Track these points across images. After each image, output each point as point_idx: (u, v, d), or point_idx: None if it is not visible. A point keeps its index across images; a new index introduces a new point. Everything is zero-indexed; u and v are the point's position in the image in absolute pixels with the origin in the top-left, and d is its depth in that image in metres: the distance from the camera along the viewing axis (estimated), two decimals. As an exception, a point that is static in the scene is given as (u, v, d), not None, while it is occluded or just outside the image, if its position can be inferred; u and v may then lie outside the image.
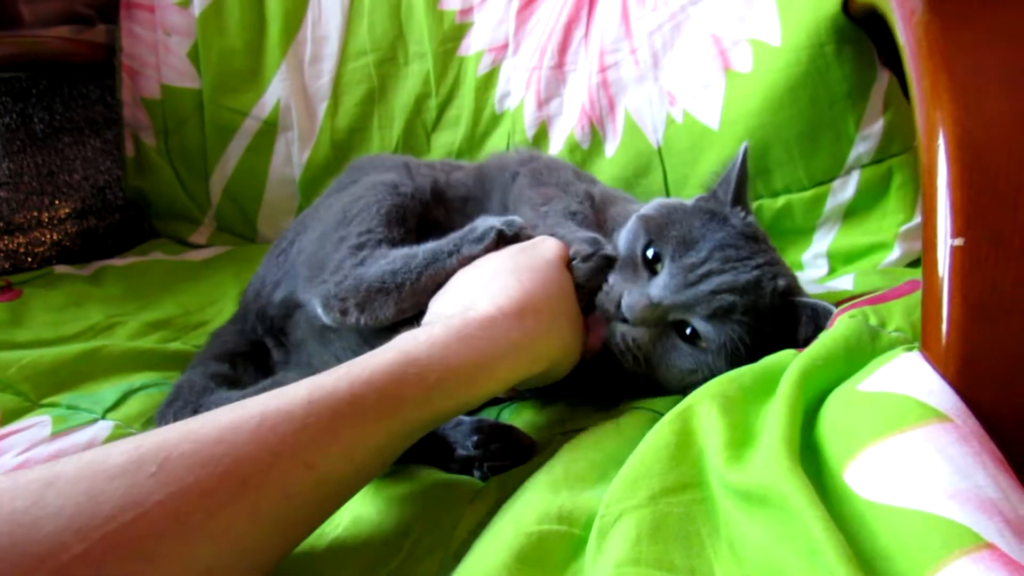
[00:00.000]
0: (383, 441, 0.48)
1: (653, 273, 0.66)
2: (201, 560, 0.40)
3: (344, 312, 0.67)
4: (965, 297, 0.44)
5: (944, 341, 0.45)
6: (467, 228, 0.69)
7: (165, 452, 0.40)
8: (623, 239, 0.69)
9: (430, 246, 0.68)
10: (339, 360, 0.69)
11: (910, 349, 0.49)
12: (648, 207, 0.72)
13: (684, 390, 0.59)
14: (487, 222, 0.68)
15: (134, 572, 0.38)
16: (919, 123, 0.50)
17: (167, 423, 0.66)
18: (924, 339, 0.47)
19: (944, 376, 0.45)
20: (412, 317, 0.65)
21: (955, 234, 0.45)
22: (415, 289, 0.66)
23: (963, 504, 0.38)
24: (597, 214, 0.77)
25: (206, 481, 0.40)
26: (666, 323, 0.65)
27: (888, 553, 0.39)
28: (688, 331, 0.64)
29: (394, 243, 0.71)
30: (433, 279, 0.66)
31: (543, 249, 0.66)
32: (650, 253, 0.66)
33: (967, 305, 0.44)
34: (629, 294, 0.64)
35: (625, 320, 0.64)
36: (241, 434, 0.42)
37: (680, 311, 0.63)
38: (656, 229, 0.67)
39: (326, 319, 0.68)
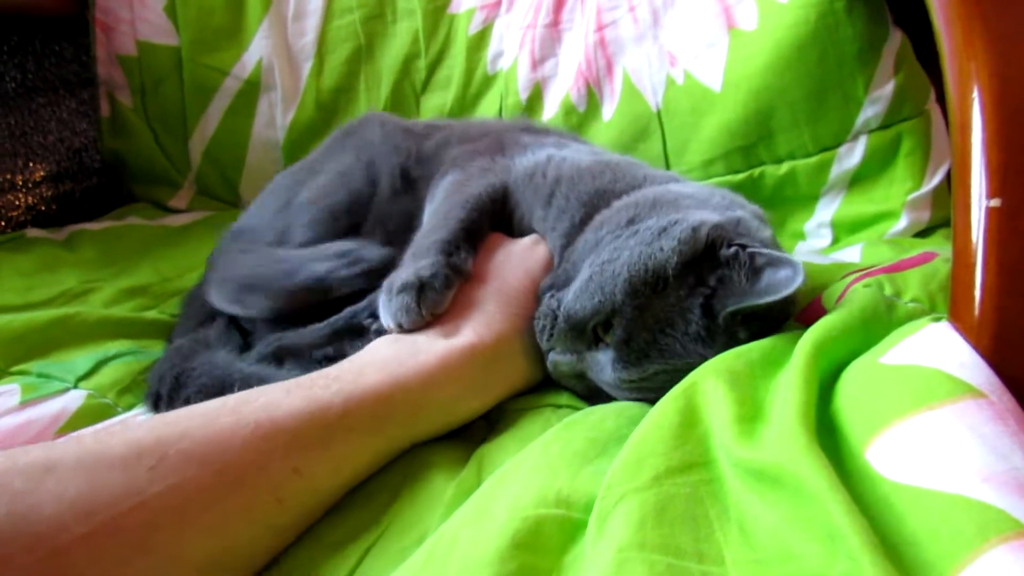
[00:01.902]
0: (368, 455, 0.52)
1: (596, 340, 0.60)
2: (194, 552, 0.42)
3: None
4: (1001, 263, 0.41)
5: (977, 311, 0.42)
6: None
7: (163, 448, 0.43)
8: (586, 285, 0.59)
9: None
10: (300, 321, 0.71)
11: (938, 319, 0.46)
12: (640, 270, 0.57)
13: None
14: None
15: (129, 559, 0.40)
16: (949, 76, 0.47)
17: (155, 387, 0.68)
18: (954, 308, 0.44)
19: (977, 348, 0.42)
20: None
21: (991, 194, 0.42)
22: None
23: (999, 487, 0.35)
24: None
25: (202, 478, 0.43)
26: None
27: (916, 539, 0.36)
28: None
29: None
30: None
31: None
32: (601, 329, 0.59)
33: (1003, 271, 0.41)
34: (559, 353, 0.62)
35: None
36: (236, 439, 0.45)
37: (598, 383, 0.62)
38: (627, 312, 0.57)
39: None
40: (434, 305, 0.61)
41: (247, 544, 0.45)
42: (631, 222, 0.62)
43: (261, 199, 0.89)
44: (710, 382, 0.48)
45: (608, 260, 0.59)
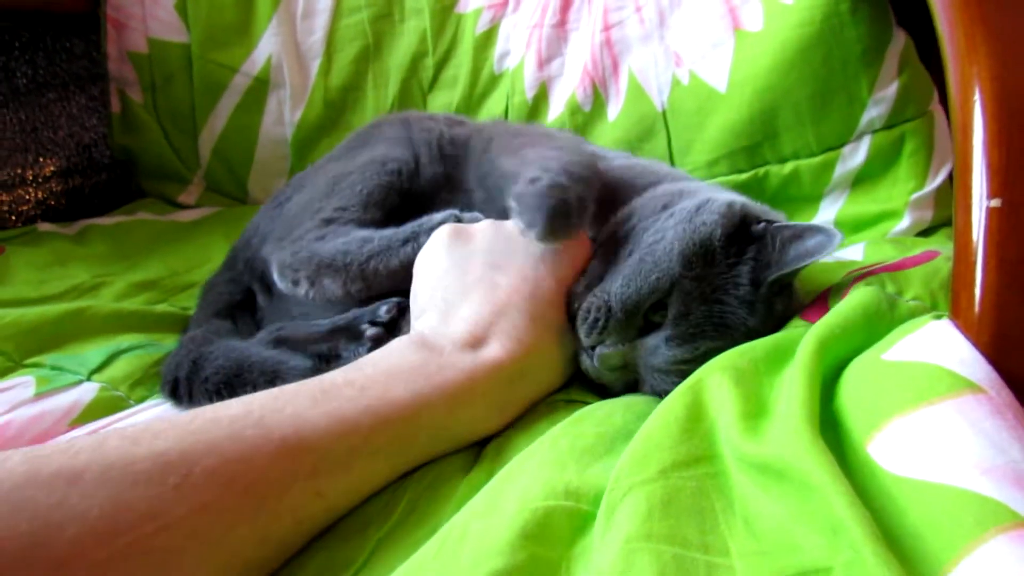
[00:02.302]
0: (389, 474, 0.51)
1: (646, 326, 0.60)
2: (210, 573, 0.41)
3: (296, 282, 0.69)
4: (1001, 261, 0.42)
5: (977, 308, 0.43)
6: (424, 217, 0.68)
7: (189, 464, 0.41)
8: (637, 269, 0.60)
9: (387, 233, 0.68)
10: (313, 315, 0.71)
11: (939, 316, 0.47)
12: (695, 236, 0.60)
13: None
14: (444, 213, 0.68)
15: None
16: (951, 79, 0.47)
17: (172, 374, 0.68)
18: (955, 306, 0.45)
19: (977, 345, 0.43)
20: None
21: (992, 195, 0.42)
22: (363, 273, 0.67)
23: (998, 480, 0.36)
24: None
25: (227, 498, 0.41)
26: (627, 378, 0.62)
27: (917, 530, 0.37)
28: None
29: (365, 224, 0.72)
30: (385, 266, 0.66)
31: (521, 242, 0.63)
32: (652, 312, 0.60)
33: (1003, 270, 0.42)
34: (609, 347, 0.60)
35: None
36: (262, 457, 0.43)
37: (640, 377, 0.61)
38: (681, 290, 0.59)
39: (279, 284, 0.71)
40: (582, 224, 0.59)
41: (256, 562, 0.43)
42: (665, 207, 0.64)
43: (294, 188, 0.87)
44: (716, 378, 0.49)
45: (654, 241, 0.61)
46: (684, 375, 0.56)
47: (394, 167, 0.78)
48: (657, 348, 0.59)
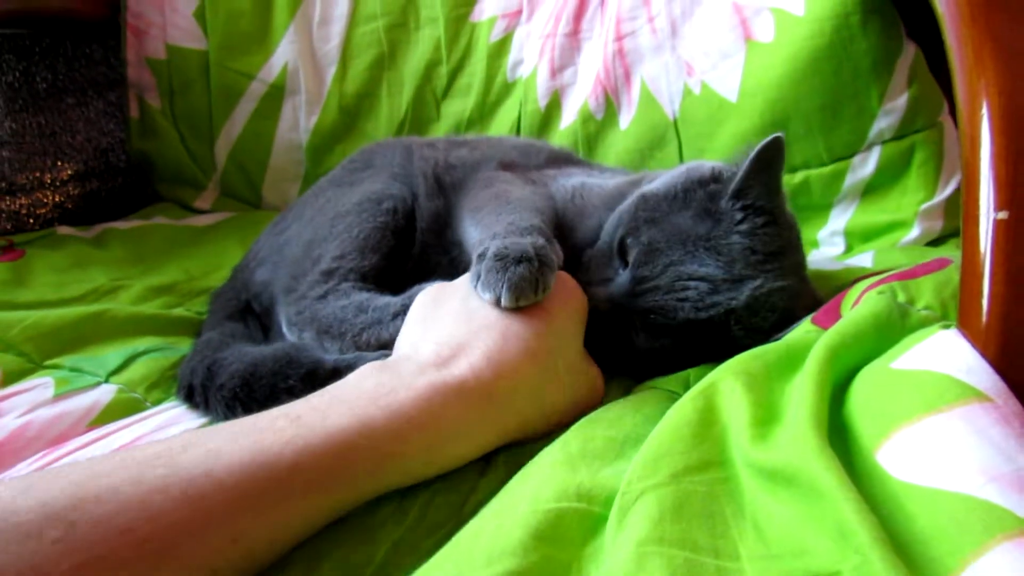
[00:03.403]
0: (322, 514, 0.45)
1: (625, 265, 0.65)
2: None
3: (301, 337, 0.71)
4: (1008, 272, 0.43)
5: (984, 318, 0.43)
6: (416, 287, 0.68)
7: (76, 513, 0.36)
8: (609, 223, 0.68)
9: (381, 303, 0.69)
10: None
11: (947, 326, 0.47)
12: (649, 188, 0.68)
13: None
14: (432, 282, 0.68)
15: None
16: (960, 92, 0.48)
17: (187, 380, 0.68)
18: (962, 316, 0.45)
19: (984, 354, 0.43)
20: None
21: (999, 207, 0.43)
22: (357, 343, 0.68)
23: (1005, 487, 0.37)
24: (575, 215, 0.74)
25: (120, 551, 0.36)
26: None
27: (924, 536, 0.37)
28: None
29: (364, 273, 0.74)
30: (376, 338, 0.67)
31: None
32: (623, 246, 0.65)
33: (1010, 281, 0.42)
34: (593, 287, 0.64)
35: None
36: (166, 500, 0.38)
37: (626, 314, 0.63)
38: (638, 222, 0.65)
39: (289, 335, 0.72)
40: (548, 285, 0.57)
41: None
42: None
43: (294, 216, 0.87)
44: (728, 383, 0.50)
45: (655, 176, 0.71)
46: (653, 295, 0.61)
47: (389, 206, 0.79)
48: (624, 277, 0.63)
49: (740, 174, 0.63)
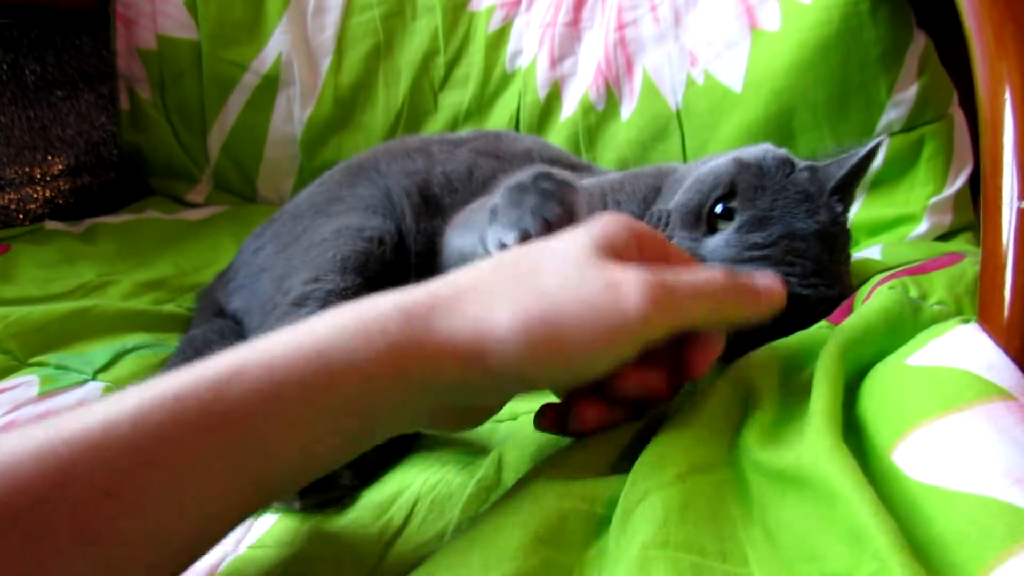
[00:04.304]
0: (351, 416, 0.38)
1: (710, 230, 0.61)
2: None
3: None
4: (1032, 264, 0.41)
5: (1007, 312, 0.41)
6: None
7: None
8: (695, 180, 0.64)
9: None
10: None
11: (966, 321, 0.45)
12: (748, 155, 0.65)
13: None
14: None
15: None
16: (980, 77, 0.46)
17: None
18: (983, 310, 0.43)
19: (1006, 350, 0.41)
20: None
21: (1022, 196, 0.41)
22: None
23: (1031, 490, 0.35)
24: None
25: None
26: None
27: (944, 540, 0.35)
28: None
29: (344, 295, 0.67)
30: None
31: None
32: (719, 208, 0.61)
33: (1034, 273, 0.41)
34: (675, 242, 0.60)
35: None
36: (27, 448, 0.33)
37: None
38: (742, 186, 0.61)
39: None
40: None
41: None
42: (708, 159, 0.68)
43: (272, 236, 0.82)
44: (740, 381, 0.48)
45: (711, 164, 0.65)
46: (763, 263, 0.58)
47: (372, 234, 0.73)
48: (729, 238, 0.59)
49: (847, 170, 0.62)
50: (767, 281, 0.44)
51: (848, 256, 0.66)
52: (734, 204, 0.61)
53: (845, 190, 0.64)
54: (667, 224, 0.62)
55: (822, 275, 0.60)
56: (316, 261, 0.70)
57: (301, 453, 0.38)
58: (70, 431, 0.34)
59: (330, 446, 0.39)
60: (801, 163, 0.65)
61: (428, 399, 0.40)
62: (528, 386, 0.43)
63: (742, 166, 0.62)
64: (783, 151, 0.66)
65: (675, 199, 0.63)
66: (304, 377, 0.37)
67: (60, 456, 0.33)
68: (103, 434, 0.34)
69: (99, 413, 0.34)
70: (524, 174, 0.61)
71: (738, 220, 0.60)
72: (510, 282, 0.40)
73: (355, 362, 0.37)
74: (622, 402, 0.46)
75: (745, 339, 0.55)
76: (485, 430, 0.60)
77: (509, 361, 0.38)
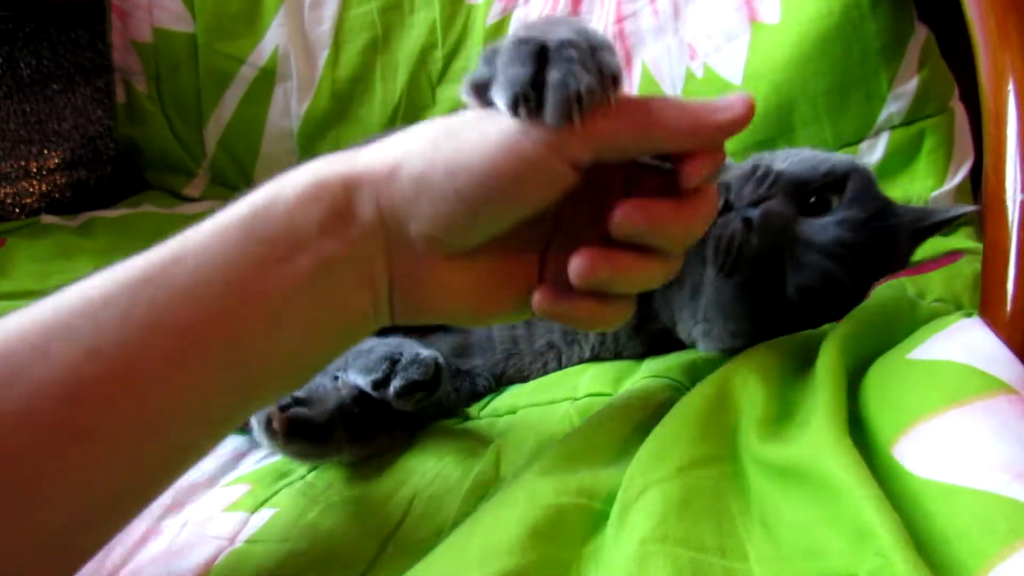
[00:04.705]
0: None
1: (805, 210, 0.58)
2: None
3: None
4: (1036, 258, 0.40)
5: (1009, 306, 0.41)
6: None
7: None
8: (809, 157, 0.61)
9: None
10: None
11: (968, 315, 0.45)
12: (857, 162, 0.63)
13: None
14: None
15: None
16: (983, 68, 0.46)
17: None
18: (985, 304, 0.43)
19: (1009, 344, 0.41)
20: None
21: (1026, 188, 0.41)
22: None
23: (1034, 485, 0.34)
24: None
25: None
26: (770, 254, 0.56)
27: (946, 536, 0.35)
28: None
29: None
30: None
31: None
32: (813, 199, 0.58)
33: (1038, 266, 0.40)
34: (772, 206, 0.56)
35: (746, 221, 0.55)
36: (11, 322, 0.35)
37: (791, 256, 0.56)
38: (851, 187, 0.59)
39: None
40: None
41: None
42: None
43: None
44: (740, 375, 0.48)
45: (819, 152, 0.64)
46: (841, 265, 0.55)
47: None
48: (826, 228, 0.56)
49: (935, 221, 0.63)
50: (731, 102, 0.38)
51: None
52: (834, 200, 0.58)
53: (918, 238, 0.63)
54: (772, 184, 0.57)
55: (850, 299, 0.57)
56: None
57: (267, 315, 0.37)
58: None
59: (298, 307, 0.38)
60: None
61: (366, 235, 0.39)
62: (456, 209, 0.38)
63: (855, 168, 0.61)
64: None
65: (786, 164, 0.59)
66: (247, 222, 0.37)
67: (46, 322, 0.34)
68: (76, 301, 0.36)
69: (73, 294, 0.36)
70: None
71: (841, 214, 0.57)
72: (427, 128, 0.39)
73: (285, 196, 0.38)
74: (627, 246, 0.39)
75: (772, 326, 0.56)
76: (484, 424, 0.60)
77: (417, 173, 0.37)
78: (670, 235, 0.39)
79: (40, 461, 0.32)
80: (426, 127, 0.39)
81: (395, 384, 0.55)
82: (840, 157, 0.63)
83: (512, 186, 0.36)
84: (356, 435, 0.56)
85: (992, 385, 0.39)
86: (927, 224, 0.63)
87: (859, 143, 0.92)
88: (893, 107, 0.89)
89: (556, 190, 0.37)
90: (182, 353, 0.36)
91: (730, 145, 0.97)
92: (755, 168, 0.59)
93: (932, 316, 0.51)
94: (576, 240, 0.40)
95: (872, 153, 0.91)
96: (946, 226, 0.63)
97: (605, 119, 0.35)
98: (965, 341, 0.43)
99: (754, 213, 0.55)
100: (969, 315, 0.46)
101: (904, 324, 0.51)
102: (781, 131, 0.93)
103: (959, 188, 0.89)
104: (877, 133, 0.91)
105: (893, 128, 0.90)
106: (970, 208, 0.62)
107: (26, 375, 0.33)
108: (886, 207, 0.61)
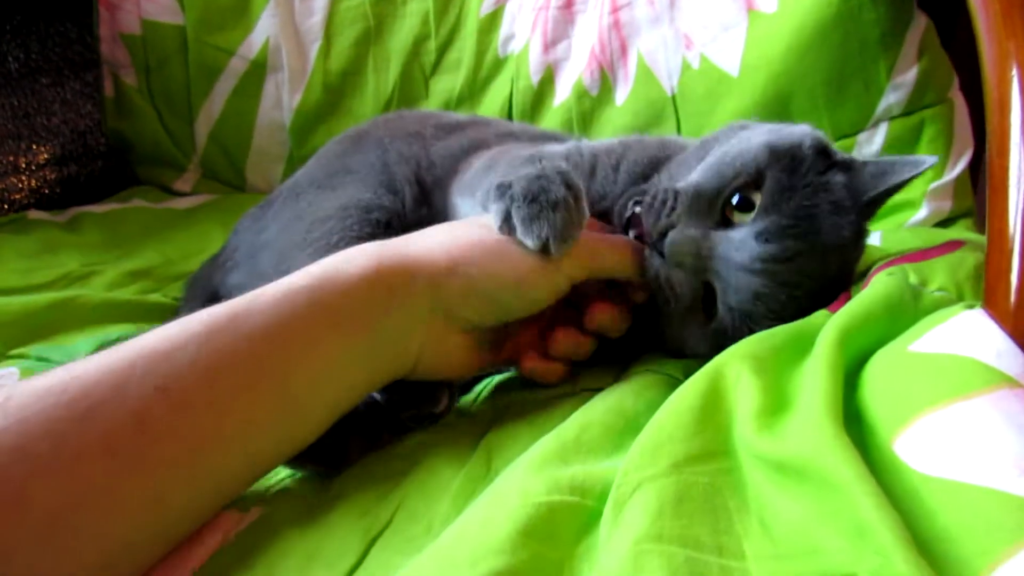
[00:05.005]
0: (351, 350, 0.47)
1: (724, 222, 0.55)
2: (49, 503, 0.36)
3: None
4: (1040, 247, 0.39)
5: (1013, 297, 0.40)
6: None
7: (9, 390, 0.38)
8: (717, 161, 0.57)
9: None
10: None
11: (971, 306, 0.44)
12: (783, 139, 0.57)
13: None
14: None
15: None
16: (986, 54, 0.45)
17: None
18: (988, 295, 0.42)
19: (1013, 337, 0.40)
20: None
21: (1031, 176, 0.39)
22: None
23: (1040, 481, 0.33)
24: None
25: (50, 409, 0.37)
26: (701, 279, 0.56)
27: (949, 534, 0.34)
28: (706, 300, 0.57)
29: None
30: None
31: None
32: (736, 199, 0.55)
33: (1042, 256, 0.39)
34: (676, 235, 0.54)
35: (661, 254, 0.55)
36: (90, 363, 0.40)
37: (718, 278, 0.55)
38: (771, 181, 0.55)
39: None
40: (585, 215, 0.54)
41: (113, 490, 0.38)
42: (743, 128, 0.63)
43: (273, 216, 0.81)
44: (734, 367, 0.46)
45: (737, 143, 0.58)
46: (771, 282, 0.53)
47: (380, 217, 0.72)
48: (744, 242, 0.53)
49: (886, 188, 0.57)
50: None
51: (854, 271, 0.61)
52: (756, 197, 0.55)
53: (876, 205, 0.59)
54: (672, 209, 0.55)
55: (820, 295, 0.55)
56: (316, 244, 0.70)
57: (316, 371, 0.45)
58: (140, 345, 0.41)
59: (340, 365, 0.46)
60: (838, 154, 0.59)
61: (412, 314, 0.49)
62: (491, 307, 0.53)
63: (774, 156, 0.55)
64: (821, 136, 0.59)
65: (689, 178, 0.57)
66: (311, 292, 0.45)
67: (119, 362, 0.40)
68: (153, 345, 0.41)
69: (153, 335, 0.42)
70: (536, 165, 0.56)
71: (758, 224, 0.54)
72: (466, 223, 0.56)
73: (348, 274, 0.47)
74: (593, 333, 0.58)
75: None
76: (476, 418, 0.59)
77: (471, 277, 0.51)
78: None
79: (115, 485, 0.38)
80: (469, 234, 0.54)
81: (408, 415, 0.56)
82: (756, 146, 0.57)
83: (532, 294, 0.53)
84: (367, 441, 0.55)
85: (996, 379, 0.38)
86: (876, 193, 0.57)
87: (857, 134, 0.91)
88: (892, 97, 0.88)
89: (556, 298, 0.54)
90: (237, 395, 0.42)
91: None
92: (655, 195, 0.56)
93: (934, 307, 0.50)
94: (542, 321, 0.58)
95: (870, 144, 0.90)
96: (900, 189, 0.57)
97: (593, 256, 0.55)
98: (969, 333, 0.42)
99: (661, 251, 0.55)
100: (972, 307, 0.45)
101: (906, 315, 0.50)
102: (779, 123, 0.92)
103: (958, 179, 0.89)
104: (876, 124, 0.90)
105: (892, 119, 0.89)
106: (928, 159, 0.56)
107: (104, 411, 0.38)
108: (818, 189, 0.55)
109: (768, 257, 0.53)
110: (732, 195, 0.55)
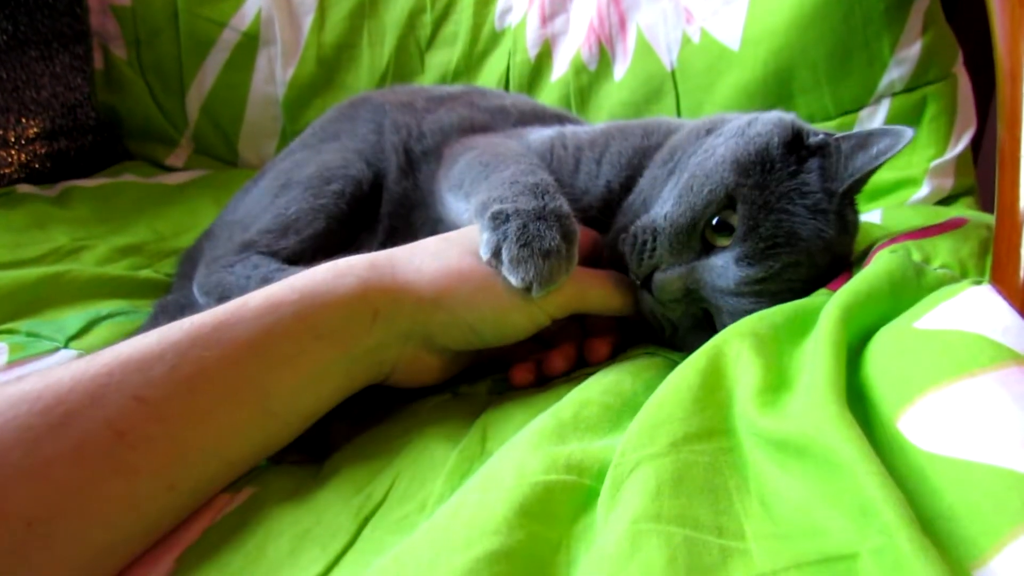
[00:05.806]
0: (336, 365, 0.48)
1: (706, 247, 0.55)
2: (23, 510, 0.36)
3: (208, 304, 0.66)
4: (1052, 222, 0.38)
5: (1023, 273, 0.39)
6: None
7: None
8: (685, 188, 0.56)
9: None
10: None
11: (978, 282, 0.43)
12: (750, 145, 0.56)
13: None
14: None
15: None
16: (997, 24, 0.43)
17: None
18: (996, 271, 0.41)
19: (1022, 313, 0.39)
20: None
21: (1042, 149, 0.38)
22: None
23: (1048, 460, 0.33)
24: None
25: (23, 416, 0.37)
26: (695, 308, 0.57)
27: (954, 513, 0.33)
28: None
29: (278, 253, 0.70)
30: None
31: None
32: (714, 222, 0.55)
33: (1053, 231, 0.38)
34: (660, 276, 0.55)
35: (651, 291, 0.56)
36: (65, 371, 0.40)
37: (709, 304, 0.56)
38: (743, 199, 0.54)
39: (199, 300, 0.69)
40: (574, 259, 0.54)
41: (95, 497, 0.39)
42: (709, 132, 0.61)
43: (260, 186, 0.82)
44: (735, 345, 0.46)
45: (703, 160, 0.57)
46: (761, 298, 0.53)
47: (337, 188, 0.73)
48: (726, 269, 0.54)
49: (863, 174, 0.56)
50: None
51: (851, 252, 0.60)
52: (732, 219, 0.54)
53: (855, 191, 0.58)
54: (653, 249, 0.55)
55: (815, 282, 0.55)
56: (277, 210, 0.72)
57: (297, 382, 0.46)
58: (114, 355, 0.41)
59: (320, 376, 0.48)
60: (812, 135, 0.58)
61: (393, 334, 0.51)
62: (471, 336, 0.54)
63: (743, 172, 0.54)
64: (791, 121, 0.59)
65: (664, 212, 0.56)
66: (297, 306, 0.46)
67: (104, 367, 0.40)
68: (129, 354, 0.41)
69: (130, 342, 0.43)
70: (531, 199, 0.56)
71: (737, 249, 0.54)
72: (455, 246, 0.55)
73: (336, 293, 0.48)
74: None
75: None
76: (470, 398, 0.58)
77: (455, 308, 0.52)
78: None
79: (90, 492, 0.38)
80: (460, 263, 0.54)
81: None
82: (720, 169, 0.55)
83: (510, 329, 0.54)
84: (348, 426, 0.56)
85: (1004, 355, 0.37)
86: (852, 182, 0.56)
87: (859, 110, 0.90)
88: (895, 73, 0.87)
89: (535, 332, 0.56)
90: (217, 404, 0.43)
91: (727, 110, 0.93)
92: (635, 235, 0.56)
93: (938, 284, 0.49)
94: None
95: (872, 121, 0.89)
96: (876, 172, 0.56)
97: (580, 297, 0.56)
98: (975, 309, 0.41)
99: (651, 291, 0.56)
100: (978, 283, 0.44)
101: (910, 292, 0.49)
102: (780, 97, 0.91)
103: (960, 157, 0.87)
104: (878, 100, 0.89)
105: (894, 95, 0.88)
106: (906, 131, 0.54)
107: (79, 418, 0.38)
108: (794, 195, 0.54)
109: (752, 280, 0.53)
110: (709, 222, 0.55)
